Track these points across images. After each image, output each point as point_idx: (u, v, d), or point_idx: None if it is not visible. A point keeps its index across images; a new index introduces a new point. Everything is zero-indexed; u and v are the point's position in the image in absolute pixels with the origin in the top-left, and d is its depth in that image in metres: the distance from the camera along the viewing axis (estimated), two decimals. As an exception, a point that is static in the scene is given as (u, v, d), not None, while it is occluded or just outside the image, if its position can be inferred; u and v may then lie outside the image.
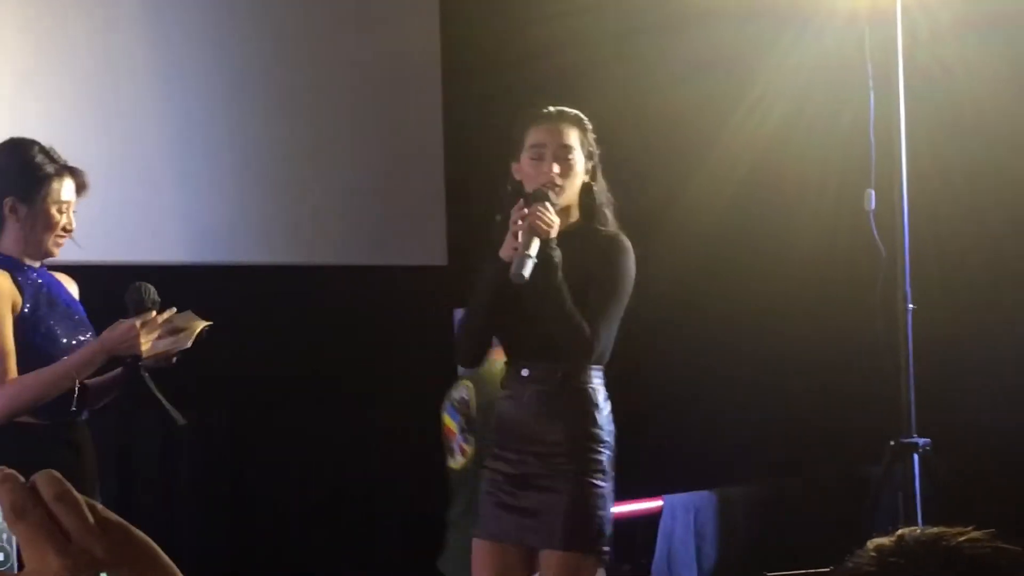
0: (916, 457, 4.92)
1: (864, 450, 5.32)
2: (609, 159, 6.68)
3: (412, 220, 7.13)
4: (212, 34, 6.35)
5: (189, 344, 3.97)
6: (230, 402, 6.26)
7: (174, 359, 4.00)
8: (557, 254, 4.06)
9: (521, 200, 4.09)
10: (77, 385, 3.88)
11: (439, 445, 6.73)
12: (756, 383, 6.26)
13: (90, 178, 4.11)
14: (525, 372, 4.21)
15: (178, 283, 4.45)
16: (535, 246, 3.98)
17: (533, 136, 4.24)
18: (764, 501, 5.46)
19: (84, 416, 4.05)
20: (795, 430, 6.10)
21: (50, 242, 4.03)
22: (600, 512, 4.17)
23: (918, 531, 1.56)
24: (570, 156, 4.22)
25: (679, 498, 5.31)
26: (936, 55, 5.61)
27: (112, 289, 4.35)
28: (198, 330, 3.96)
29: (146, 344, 3.82)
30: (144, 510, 6.08)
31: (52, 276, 4.16)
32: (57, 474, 1.05)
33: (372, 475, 6.78)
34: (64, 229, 4.04)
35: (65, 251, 4.16)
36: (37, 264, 4.08)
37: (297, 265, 6.47)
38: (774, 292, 6.24)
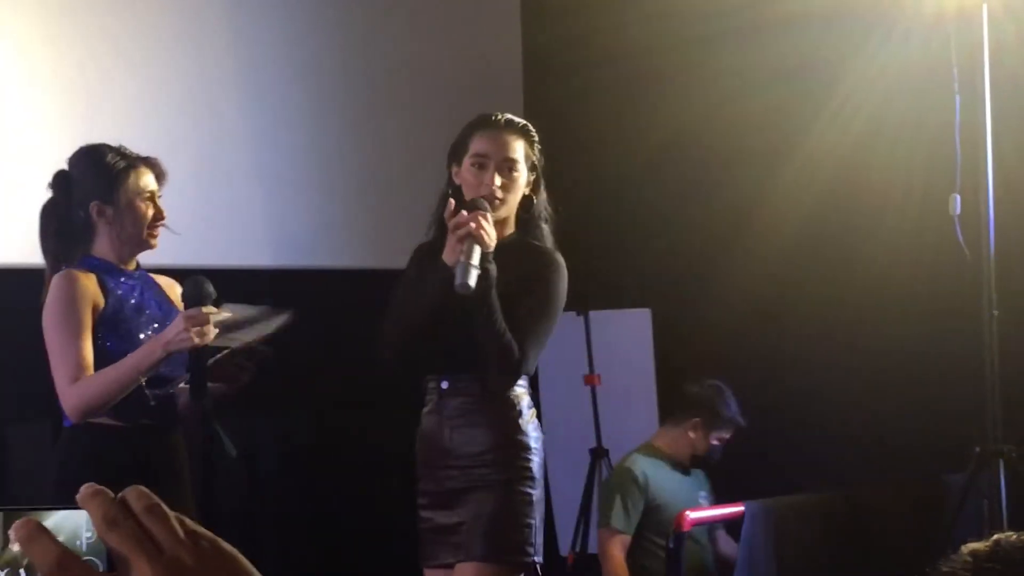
0: (1002, 463, 4.88)
1: (949, 456, 5.28)
2: (690, 164, 6.71)
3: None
4: (298, 39, 6.38)
5: (249, 339, 3.98)
6: (329, 405, 6.28)
7: (244, 379, 4.02)
8: (493, 268, 3.93)
9: (453, 205, 3.97)
10: (144, 381, 3.90)
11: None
12: (839, 389, 6.22)
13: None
14: (445, 384, 4.13)
15: (294, 286, 4.43)
16: (476, 255, 3.87)
17: (477, 144, 4.14)
18: (847, 508, 5.42)
19: (176, 420, 4.08)
20: (879, 436, 6.06)
21: (144, 234, 4.08)
22: (528, 520, 4.10)
23: (1014, 536, 1.54)
24: (514, 170, 4.13)
25: (760, 504, 5.28)
26: (1022, 58, 5.55)
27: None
28: (268, 330, 3.97)
29: (198, 337, 3.83)
30: (227, 516, 6.13)
31: (150, 279, 4.21)
32: (145, 489, 1.07)
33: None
34: (155, 219, 4.08)
35: (166, 254, 4.20)
36: (132, 267, 4.13)
37: (390, 270, 6.51)
38: (857, 299, 6.20)
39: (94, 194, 4.05)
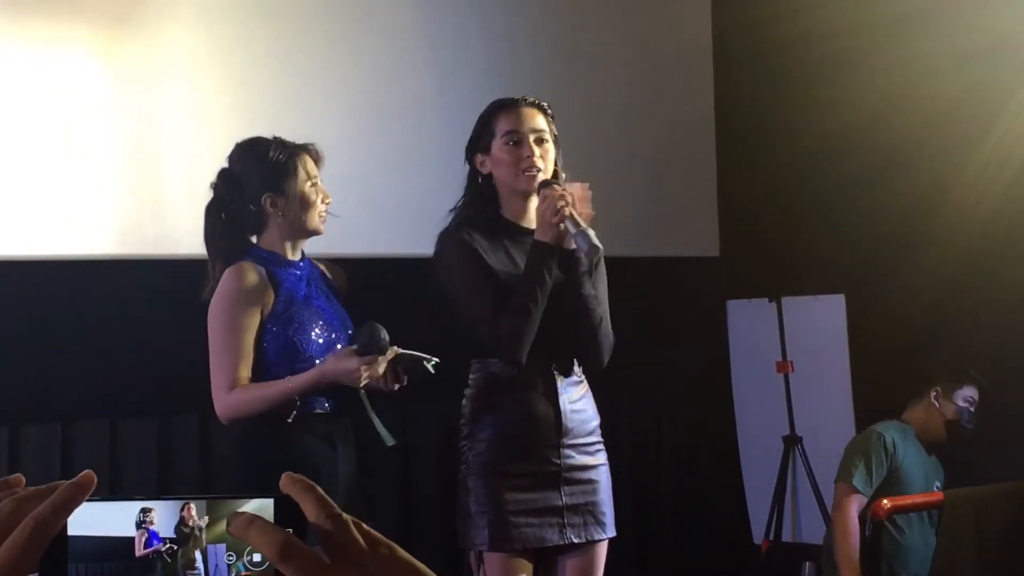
0: None
1: None
2: (882, 146, 6.60)
3: (685, 210, 7.09)
4: (477, 27, 6.39)
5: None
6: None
7: (396, 387, 4.05)
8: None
9: (545, 187, 4.02)
10: (298, 401, 3.94)
11: (721, 434, 6.70)
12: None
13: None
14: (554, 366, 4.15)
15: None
16: (581, 220, 3.94)
17: (504, 123, 4.15)
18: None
19: (348, 407, 4.09)
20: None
21: (315, 220, 4.10)
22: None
23: None
24: (545, 140, 4.16)
25: (960, 493, 5.16)
26: None
27: (373, 281, 4.40)
28: (425, 368, 4.00)
29: (365, 380, 3.88)
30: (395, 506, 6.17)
31: (316, 268, 4.23)
32: (325, 496, 1.06)
33: (652, 462, 6.79)
34: (322, 202, 4.11)
35: (326, 242, 4.23)
36: (298, 256, 4.16)
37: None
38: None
39: (264, 187, 4.06)
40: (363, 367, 3.85)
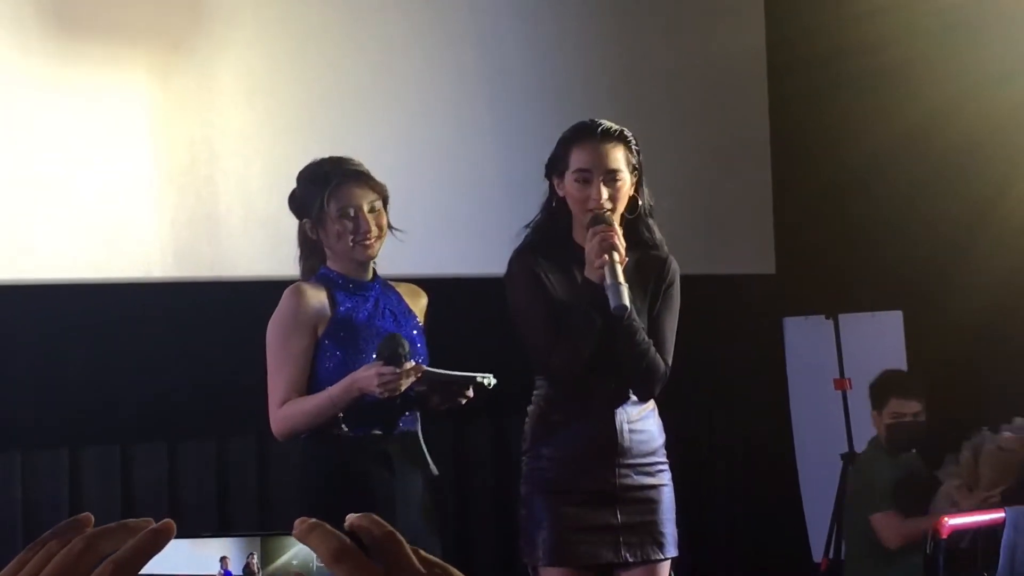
0: None
1: None
2: (937, 156, 6.56)
3: (740, 227, 7.06)
4: (526, 40, 6.39)
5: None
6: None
7: (444, 407, 4.07)
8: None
9: (597, 224, 3.99)
10: (341, 414, 3.98)
11: (780, 452, 6.66)
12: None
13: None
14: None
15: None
16: (620, 272, 3.92)
17: (577, 159, 4.09)
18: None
19: (406, 427, 4.11)
20: None
21: (351, 250, 4.09)
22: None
23: None
24: (618, 179, 4.08)
25: (1022, 510, 5.11)
26: None
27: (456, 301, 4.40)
28: (464, 390, 4.01)
29: (386, 392, 3.90)
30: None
31: (388, 289, 4.23)
32: (377, 517, 1.05)
33: (710, 480, 6.76)
34: (361, 233, 4.08)
35: (408, 263, 4.24)
36: (368, 276, 4.17)
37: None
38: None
39: (304, 212, 4.13)
40: (379, 376, 3.87)
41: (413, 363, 3.93)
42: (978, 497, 5.56)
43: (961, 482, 5.68)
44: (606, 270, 3.92)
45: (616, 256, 3.94)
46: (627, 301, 3.89)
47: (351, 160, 4.16)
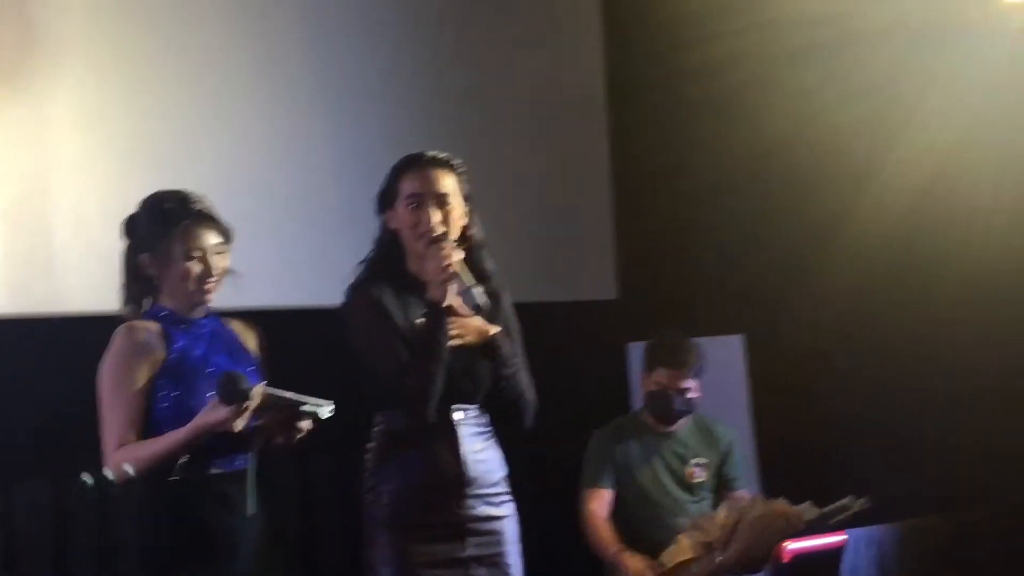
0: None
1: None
2: (779, 180, 6.63)
3: (581, 253, 7.07)
4: (363, 71, 6.37)
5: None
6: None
7: (282, 441, 3.96)
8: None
9: (432, 245, 4.09)
10: (184, 459, 3.87)
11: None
12: (939, 407, 6.11)
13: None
14: (458, 415, 4.16)
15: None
16: (468, 275, 4.06)
17: (407, 185, 4.18)
18: (952, 532, 5.30)
19: (240, 466, 3.98)
20: (982, 457, 5.93)
21: (192, 292, 4.00)
22: None
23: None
24: (447, 204, 4.17)
25: (863, 532, 5.17)
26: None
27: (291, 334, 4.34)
28: (301, 419, 3.93)
29: (235, 428, 3.80)
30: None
31: (221, 327, 4.14)
32: None
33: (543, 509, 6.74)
34: (203, 276, 3.99)
35: (245, 295, 4.15)
36: (201, 315, 4.08)
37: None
38: (950, 314, 6.10)
39: (145, 246, 4.01)
40: (230, 415, 3.78)
41: (257, 387, 3.84)
42: (712, 561, 5.47)
43: (705, 538, 5.53)
44: (457, 279, 4.03)
45: (458, 265, 4.04)
46: (482, 300, 4.05)
47: (198, 198, 4.05)
